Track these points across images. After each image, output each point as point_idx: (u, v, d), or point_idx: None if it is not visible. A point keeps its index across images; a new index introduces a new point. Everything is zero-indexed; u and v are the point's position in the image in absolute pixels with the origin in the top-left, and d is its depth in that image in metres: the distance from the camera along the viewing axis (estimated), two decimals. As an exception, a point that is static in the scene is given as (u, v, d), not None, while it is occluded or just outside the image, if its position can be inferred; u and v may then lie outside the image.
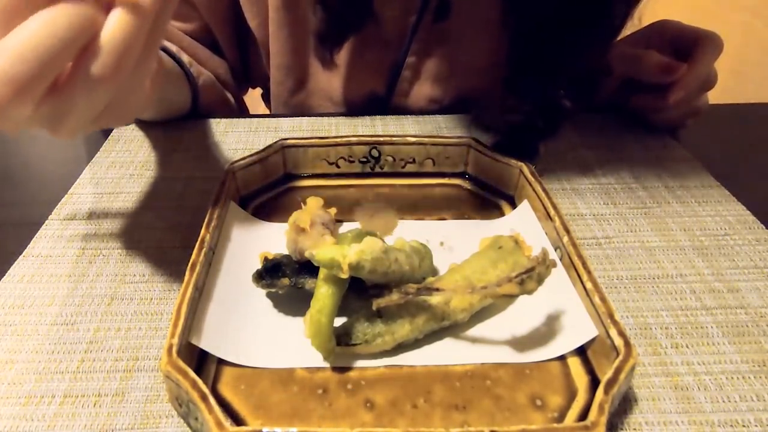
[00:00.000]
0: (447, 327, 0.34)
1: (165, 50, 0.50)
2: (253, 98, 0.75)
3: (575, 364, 0.32)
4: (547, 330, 0.34)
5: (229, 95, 0.65)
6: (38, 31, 0.23)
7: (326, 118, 0.57)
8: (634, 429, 0.30)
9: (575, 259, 0.35)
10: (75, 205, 0.45)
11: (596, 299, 0.32)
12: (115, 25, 0.24)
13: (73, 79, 0.25)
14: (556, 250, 0.37)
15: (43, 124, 0.26)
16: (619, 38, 0.56)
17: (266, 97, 0.73)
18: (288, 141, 0.46)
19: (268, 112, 0.72)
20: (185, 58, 0.55)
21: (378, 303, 0.31)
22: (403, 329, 0.32)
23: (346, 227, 0.41)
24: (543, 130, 0.47)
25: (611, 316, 0.31)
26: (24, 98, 0.24)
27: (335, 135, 0.47)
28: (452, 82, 0.58)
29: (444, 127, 0.55)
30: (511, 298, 0.35)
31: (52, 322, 0.35)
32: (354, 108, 0.58)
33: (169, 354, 0.28)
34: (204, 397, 0.27)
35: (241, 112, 0.69)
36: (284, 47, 0.57)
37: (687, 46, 0.51)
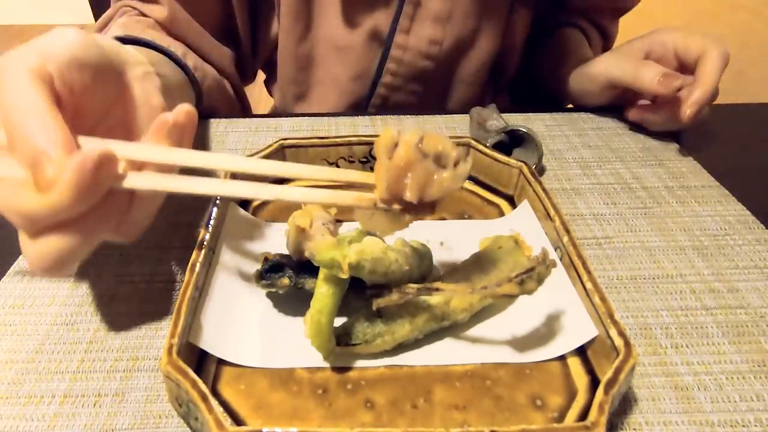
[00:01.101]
0: (447, 327, 0.34)
1: (170, 57, 0.50)
2: (254, 99, 0.75)
3: (575, 364, 0.32)
4: (547, 330, 0.34)
5: (230, 92, 0.65)
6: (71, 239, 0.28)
7: (326, 118, 0.57)
8: (634, 429, 0.30)
9: (575, 259, 0.35)
10: (75, 205, 0.45)
11: (596, 299, 0.32)
12: (140, 211, 0.31)
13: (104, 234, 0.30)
14: (556, 250, 0.37)
15: None
16: (617, 47, 0.57)
17: (269, 82, 0.74)
18: (288, 141, 0.46)
19: (268, 111, 0.72)
20: (191, 61, 0.55)
21: (378, 303, 0.31)
22: (403, 329, 0.32)
23: (346, 227, 0.41)
24: None
25: (611, 316, 0.31)
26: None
27: (335, 135, 0.47)
28: (451, 24, 0.60)
29: (444, 127, 0.55)
30: (511, 298, 0.35)
31: (52, 322, 0.35)
32: (356, 49, 0.61)
33: (169, 354, 0.28)
34: (204, 397, 0.27)
35: (243, 105, 0.70)
36: None
37: (692, 58, 0.51)
